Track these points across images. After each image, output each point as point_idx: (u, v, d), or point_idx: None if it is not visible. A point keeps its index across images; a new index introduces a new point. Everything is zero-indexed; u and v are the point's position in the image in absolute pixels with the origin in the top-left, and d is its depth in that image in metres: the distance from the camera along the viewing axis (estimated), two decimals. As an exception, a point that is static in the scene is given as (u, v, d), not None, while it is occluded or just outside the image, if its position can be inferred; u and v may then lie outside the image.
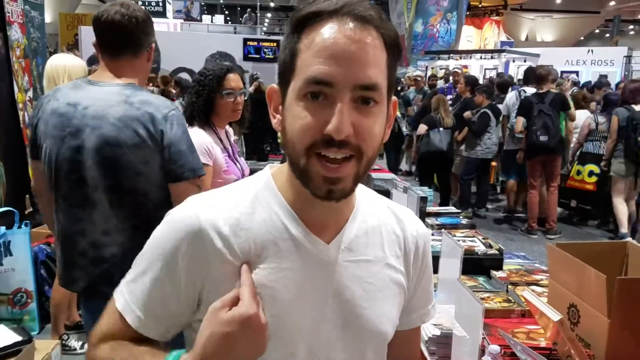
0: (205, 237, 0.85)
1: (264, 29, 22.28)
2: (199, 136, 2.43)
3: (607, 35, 25.00)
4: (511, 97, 7.15)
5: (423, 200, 2.71)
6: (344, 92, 0.77)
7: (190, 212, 0.87)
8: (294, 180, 0.85)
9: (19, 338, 2.56)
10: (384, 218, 0.99)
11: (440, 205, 5.92)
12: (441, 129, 6.77)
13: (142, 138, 1.80)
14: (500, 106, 7.10)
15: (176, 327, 0.92)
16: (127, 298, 0.90)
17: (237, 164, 2.71)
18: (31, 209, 3.31)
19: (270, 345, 0.84)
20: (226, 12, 27.61)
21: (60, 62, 3.27)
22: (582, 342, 1.45)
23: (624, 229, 6.02)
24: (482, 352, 1.44)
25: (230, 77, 2.61)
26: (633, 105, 5.83)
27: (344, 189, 0.82)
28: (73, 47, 10.61)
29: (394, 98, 0.89)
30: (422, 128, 6.80)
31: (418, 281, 1.03)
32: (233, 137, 2.88)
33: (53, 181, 1.89)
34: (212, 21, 17.28)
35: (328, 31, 0.78)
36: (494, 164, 7.73)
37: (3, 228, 3.39)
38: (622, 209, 6.04)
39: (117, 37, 1.87)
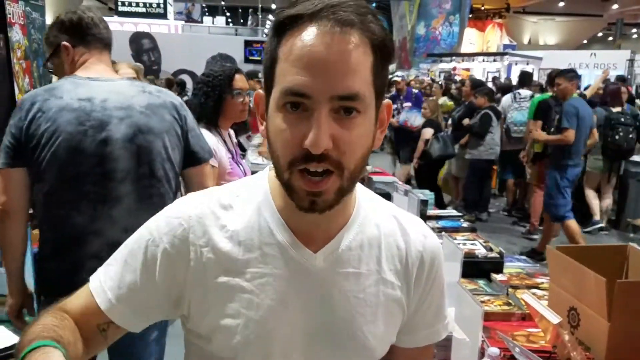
0: (189, 235, 0.85)
1: (266, 31, 22.29)
2: (205, 137, 2.42)
3: (610, 38, 25.03)
4: (506, 99, 7.23)
5: (424, 203, 2.70)
6: (322, 104, 0.73)
7: (182, 208, 0.88)
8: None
9: (18, 340, 2.56)
10: (387, 229, 0.92)
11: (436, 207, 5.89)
12: (445, 132, 6.78)
13: (170, 124, 1.88)
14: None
15: (148, 319, 0.91)
16: (101, 280, 0.89)
17: (240, 166, 2.71)
18: (31, 211, 3.34)
19: (246, 349, 0.84)
20: (227, 14, 27.62)
21: None
22: (582, 345, 1.45)
23: (597, 216, 6.46)
24: (482, 354, 1.44)
25: (237, 78, 2.63)
26: (611, 107, 6.16)
27: (327, 200, 0.79)
28: None
29: (387, 101, 0.85)
30: (429, 132, 6.77)
31: (422, 298, 0.96)
32: (234, 140, 2.88)
33: (60, 180, 1.78)
34: (213, 23, 17.30)
35: (306, 38, 0.74)
36: (495, 167, 7.70)
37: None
38: (593, 198, 6.53)
39: (105, 33, 1.93)
